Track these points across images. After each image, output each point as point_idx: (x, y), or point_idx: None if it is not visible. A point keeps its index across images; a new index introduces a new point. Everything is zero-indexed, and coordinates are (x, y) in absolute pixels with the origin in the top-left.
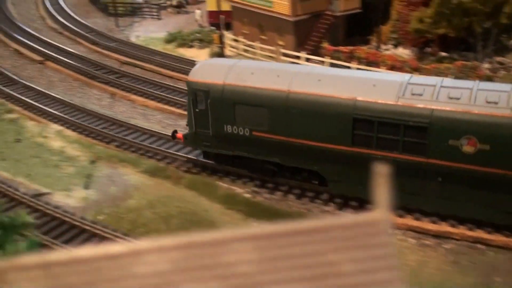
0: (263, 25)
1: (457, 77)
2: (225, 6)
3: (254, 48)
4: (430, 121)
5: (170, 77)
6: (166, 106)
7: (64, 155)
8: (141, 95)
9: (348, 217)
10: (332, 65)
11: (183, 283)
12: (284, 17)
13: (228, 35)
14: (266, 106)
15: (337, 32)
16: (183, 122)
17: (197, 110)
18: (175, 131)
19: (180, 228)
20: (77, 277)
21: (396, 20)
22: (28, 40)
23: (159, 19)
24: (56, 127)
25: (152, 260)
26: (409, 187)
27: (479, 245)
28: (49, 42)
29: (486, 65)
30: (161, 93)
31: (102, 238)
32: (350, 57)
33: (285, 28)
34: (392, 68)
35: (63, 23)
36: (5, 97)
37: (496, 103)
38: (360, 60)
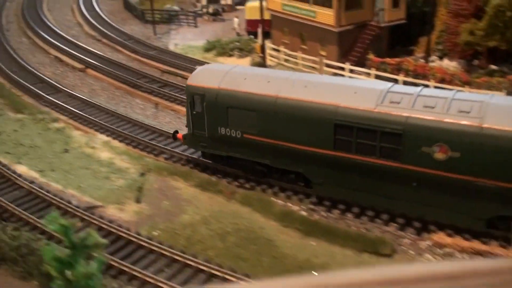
0: (304, 34)
1: (509, 92)
2: (264, 15)
3: (295, 58)
4: (405, 128)
5: None
6: None
7: (113, 166)
8: (184, 106)
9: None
10: (378, 77)
11: None
12: (327, 27)
13: (268, 45)
14: (256, 110)
15: (380, 43)
16: None
17: (194, 112)
18: (176, 132)
19: (237, 246)
20: None
21: (442, 31)
22: (68, 47)
23: (195, 26)
24: (103, 137)
25: None
26: (386, 191)
27: None
28: (88, 49)
29: None
30: None
31: (159, 256)
32: (397, 69)
33: (328, 39)
34: (442, 81)
35: (100, 30)
36: (49, 105)
37: (468, 112)
38: (407, 73)
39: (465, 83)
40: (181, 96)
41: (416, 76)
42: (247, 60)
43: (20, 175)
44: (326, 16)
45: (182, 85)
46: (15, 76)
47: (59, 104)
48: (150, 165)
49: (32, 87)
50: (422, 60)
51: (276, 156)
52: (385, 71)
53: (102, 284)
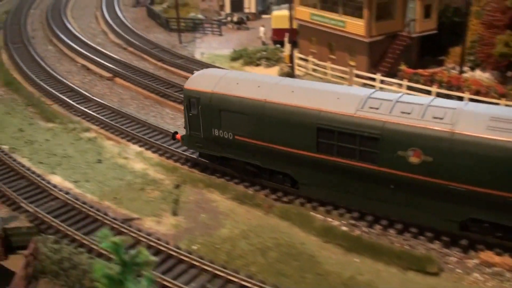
0: (333, 44)
1: None
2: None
3: (324, 68)
4: (382, 133)
5: None
6: None
7: (148, 178)
8: None
9: None
10: (410, 88)
11: None
12: (357, 38)
13: (296, 54)
14: (246, 114)
15: (410, 53)
16: None
17: (190, 114)
18: (175, 132)
19: (279, 262)
20: None
21: (473, 42)
22: (94, 56)
23: (220, 35)
24: (135, 148)
25: None
26: (367, 193)
27: None
28: (115, 57)
29: None
30: None
31: (200, 271)
32: (430, 81)
33: (358, 49)
34: (477, 93)
35: (125, 38)
36: (80, 115)
37: (441, 118)
38: (441, 84)
39: (502, 96)
40: None
41: (450, 88)
42: (274, 70)
43: (55, 186)
44: (356, 26)
45: None
46: (44, 85)
47: (90, 113)
48: (185, 176)
49: (62, 96)
50: (454, 71)
51: (265, 157)
52: (417, 82)
53: None
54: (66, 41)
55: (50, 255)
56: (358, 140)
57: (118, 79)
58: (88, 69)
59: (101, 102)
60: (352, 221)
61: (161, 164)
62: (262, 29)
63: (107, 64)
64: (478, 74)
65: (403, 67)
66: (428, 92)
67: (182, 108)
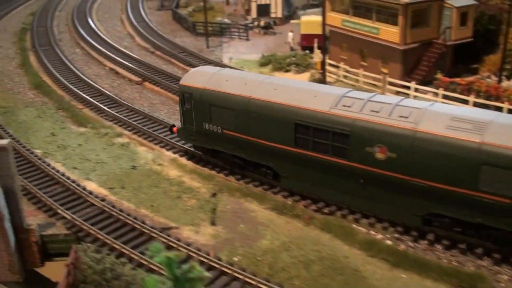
0: (365, 51)
1: None
2: (319, 30)
3: (356, 75)
4: (351, 130)
5: None
6: None
7: (183, 185)
8: None
9: None
10: (446, 97)
11: None
12: (391, 45)
13: (327, 61)
14: (233, 109)
15: (443, 61)
16: None
17: (184, 108)
18: (173, 125)
19: (323, 275)
20: None
21: (510, 50)
22: (122, 59)
23: (247, 39)
24: (169, 154)
25: None
26: (340, 186)
27: None
28: (143, 61)
29: None
30: None
31: (243, 283)
32: (468, 90)
33: (391, 56)
34: None
35: (152, 41)
36: (112, 119)
37: (406, 117)
38: (478, 94)
39: None
40: None
41: (488, 97)
42: (305, 76)
43: (90, 192)
44: (390, 33)
45: None
46: (74, 88)
47: (122, 118)
48: (221, 185)
49: (93, 100)
50: (490, 80)
51: (250, 150)
52: (454, 91)
53: None
54: (94, 44)
55: (92, 265)
56: (331, 136)
57: (147, 84)
58: (116, 73)
59: (132, 107)
60: (397, 235)
61: (196, 172)
62: (290, 34)
63: (135, 67)
64: None
65: (439, 75)
66: (465, 102)
67: None
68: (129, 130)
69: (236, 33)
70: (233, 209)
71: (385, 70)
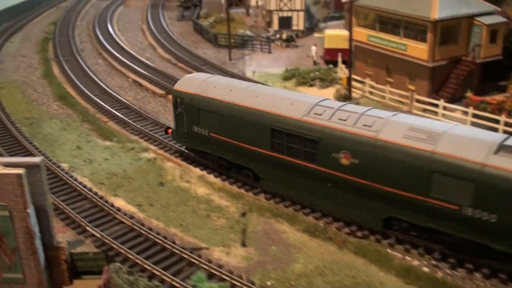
0: (391, 67)
1: None
2: (344, 44)
3: (382, 92)
4: (320, 136)
5: None
6: None
7: (212, 204)
8: None
9: None
10: (476, 116)
11: None
12: (419, 62)
13: (353, 76)
14: (218, 114)
15: (472, 78)
16: None
17: (177, 112)
18: (168, 128)
19: None
20: None
21: None
22: (145, 71)
23: (269, 52)
24: (197, 171)
25: None
26: (311, 189)
27: None
28: (166, 73)
29: None
30: None
31: None
32: (499, 109)
33: (418, 73)
34: None
35: (174, 53)
36: (138, 134)
37: (370, 126)
38: (510, 113)
39: None
40: None
41: None
42: (330, 91)
43: (119, 209)
44: (418, 50)
45: None
46: (99, 100)
47: (147, 132)
48: (250, 204)
49: (117, 113)
50: None
51: (233, 153)
52: (484, 110)
53: None
54: (116, 55)
55: (125, 287)
56: (303, 141)
57: (171, 97)
58: (140, 85)
59: (157, 121)
60: (433, 262)
61: (225, 190)
62: (314, 48)
63: (158, 79)
64: None
65: (469, 94)
66: (497, 122)
67: None
68: (155, 145)
69: (258, 46)
70: (263, 229)
71: (412, 87)
